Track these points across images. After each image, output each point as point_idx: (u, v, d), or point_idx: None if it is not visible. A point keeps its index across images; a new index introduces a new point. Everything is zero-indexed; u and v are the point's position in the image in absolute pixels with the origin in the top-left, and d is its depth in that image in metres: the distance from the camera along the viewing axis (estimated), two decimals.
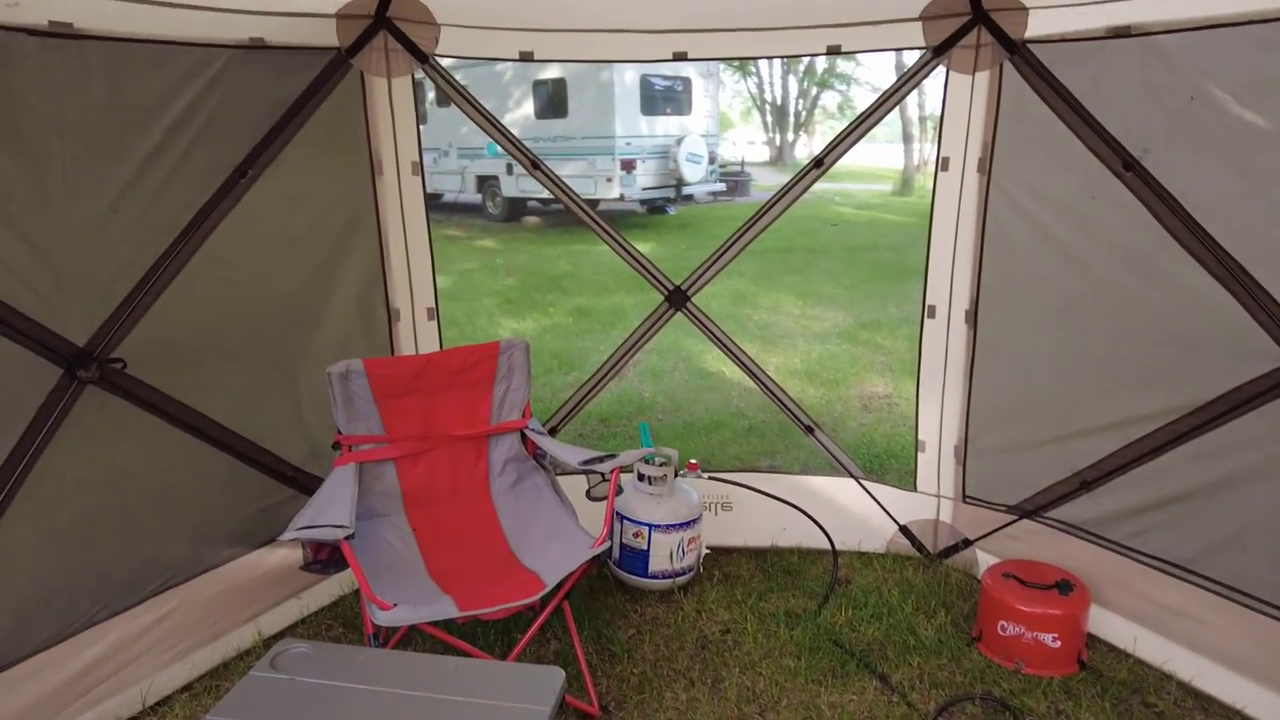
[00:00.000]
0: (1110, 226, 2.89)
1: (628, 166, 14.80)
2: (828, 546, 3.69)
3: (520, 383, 3.23)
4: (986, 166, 3.16)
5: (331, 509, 2.58)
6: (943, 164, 3.27)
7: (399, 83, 3.21)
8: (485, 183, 16.80)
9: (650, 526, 3.41)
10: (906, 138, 24.80)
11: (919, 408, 3.56)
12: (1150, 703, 2.79)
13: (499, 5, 3.09)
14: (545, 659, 3.03)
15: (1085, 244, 2.97)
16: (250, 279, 2.96)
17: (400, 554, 2.93)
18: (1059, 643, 2.92)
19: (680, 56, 3.24)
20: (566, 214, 17.28)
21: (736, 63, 34.49)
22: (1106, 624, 3.07)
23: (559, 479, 3.22)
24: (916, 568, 3.63)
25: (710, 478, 3.75)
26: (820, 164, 3.44)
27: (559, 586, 2.63)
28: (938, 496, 3.61)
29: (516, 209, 16.78)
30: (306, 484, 3.18)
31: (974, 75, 3.14)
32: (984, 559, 3.48)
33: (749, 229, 3.61)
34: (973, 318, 3.32)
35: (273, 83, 2.89)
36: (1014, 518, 3.38)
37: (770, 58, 17.98)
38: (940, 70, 3.24)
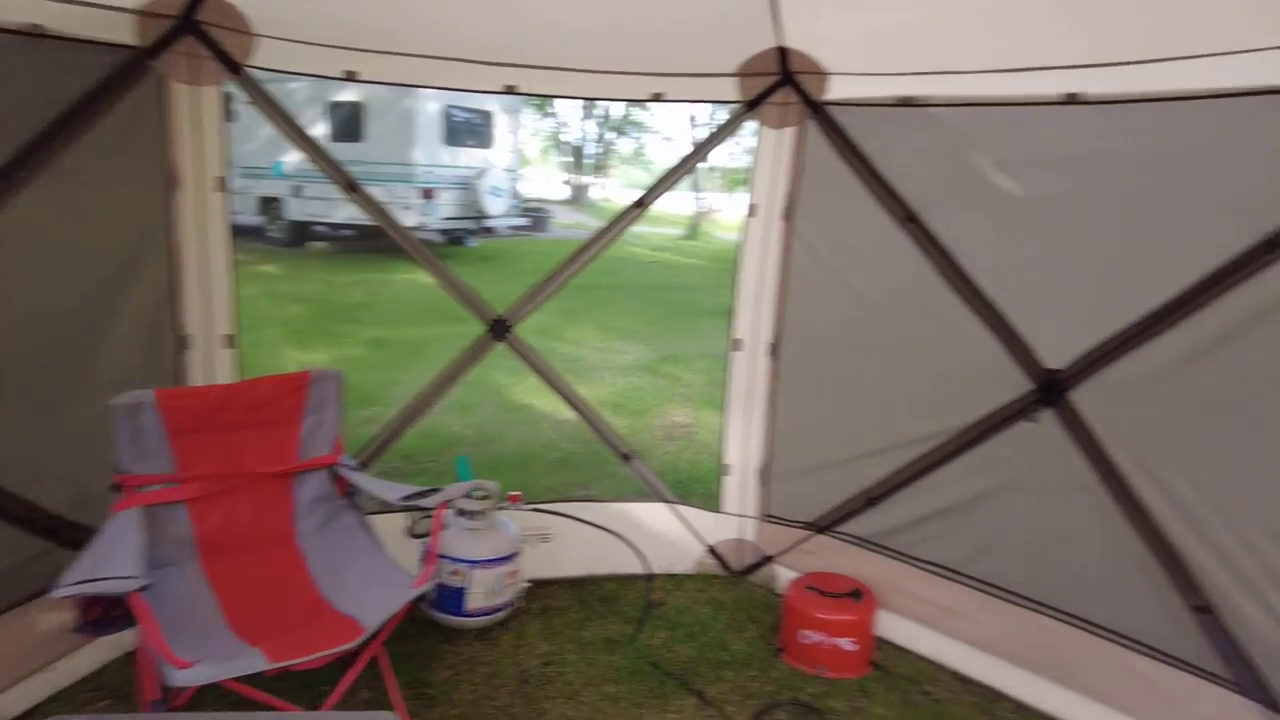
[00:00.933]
0: (895, 271, 3.28)
1: (428, 195, 14.47)
2: (642, 571, 3.79)
3: (332, 416, 3.05)
4: (789, 214, 3.48)
5: (115, 558, 2.27)
6: (752, 210, 3.55)
7: (206, 92, 2.96)
8: (268, 205, 15.65)
9: (470, 563, 3.33)
10: (695, 186, 26.34)
11: (725, 434, 3.80)
12: (928, 691, 3.14)
13: (324, 20, 2.96)
14: (355, 708, 2.85)
15: (874, 287, 3.35)
16: (8, 298, 2.57)
17: (195, 606, 2.63)
18: (855, 646, 3.21)
19: (510, 90, 3.28)
20: (358, 241, 16.75)
21: (538, 101, 35.07)
22: (892, 625, 3.42)
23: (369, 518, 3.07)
24: (724, 586, 3.83)
25: (533, 509, 3.73)
26: (642, 204, 3.61)
27: (380, 630, 2.50)
28: (742, 517, 3.85)
29: (299, 234, 15.75)
30: (71, 535, 2.76)
31: (780, 131, 3.45)
32: (784, 574, 3.75)
33: (573, 262, 3.69)
34: (775, 351, 3.61)
35: (52, 77, 2.56)
36: (810, 534, 3.68)
37: (598, 99, 18.37)
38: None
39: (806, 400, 3.60)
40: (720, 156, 29.09)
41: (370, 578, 2.79)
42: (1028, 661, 3.07)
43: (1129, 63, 2.60)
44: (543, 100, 34.27)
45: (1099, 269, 2.84)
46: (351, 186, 3.41)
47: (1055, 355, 2.97)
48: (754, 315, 3.63)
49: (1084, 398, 2.92)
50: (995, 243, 3.05)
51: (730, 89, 3.42)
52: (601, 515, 3.86)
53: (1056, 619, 3.01)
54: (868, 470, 3.48)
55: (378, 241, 14.72)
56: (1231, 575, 2.60)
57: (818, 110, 3.35)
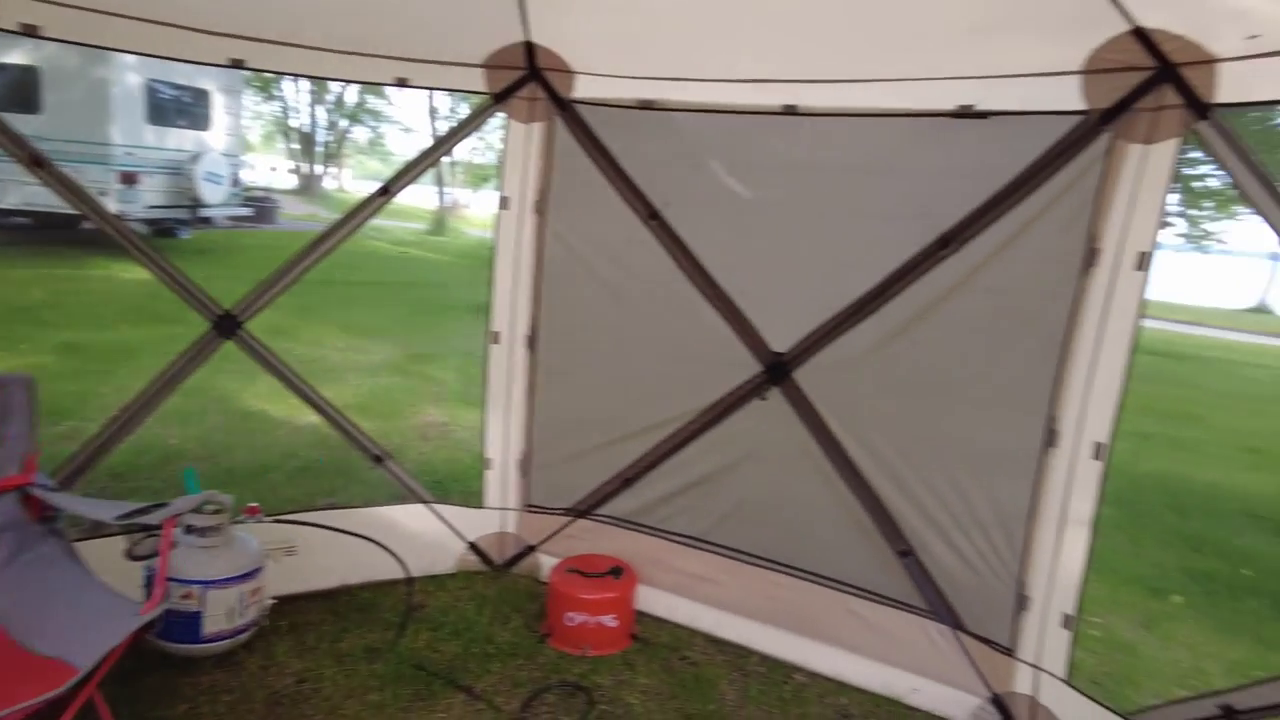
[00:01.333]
0: (644, 266, 3.46)
1: (129, 180, 12.63)
2: (401, 575, 3.66)
3: (21, 429, 2.61)
4: (541, 207, 3.54)
5: None
6: (504, 203, 3.56)
7: None
8: None
9: (204, 584, 3.01)
10: (439, 180, 25.66)
11: (486, 427, 3.78)
12: (686, 656, 3.37)
13: None
14: None
15: (625, 280, 3.51)
16: None
17: None
18: (616, 622, 3.36)
19: (238, 64, 2.99)
20: (33, 231, 14.15)
21: (260, 81, 31.98)
22: (651, 598, 3.61)
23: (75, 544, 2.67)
24: (487, 580, 3.82)
25: (275, 520, 3.45)
26: (387, 191, 3.46)
27: (97, 669, 2.18)
28: (503, 510, 3.86)
29: None
30: None
31: (529, 125, 3.49)
32: (548, 561, 3.81)
33: (311, 253, 3.45)
34: (532, 342, 3.65)
35: None
36: (571, 519, 3.78)
37: (337, 80, 17.01)
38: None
39: (564, 390, 3.69)
40: (464, 152, 28.64)
41: (80, 612, 2.43)
42: (770, 617, 3.40)
43: (838, 80, 2.97)
44: (266, 80, 31.51)
45: (814, 264, 3.22)
46: (37, 162, 2.91)
47: (781, 340, 3.32)
48: (511, 308, 3.64)
49: (805, 377, 3.30)
50: (728, 240, 3.33)
51: (477, 80, 3.40)
52: (353, 522, 3.67)
53: (792, 576, 3.37)
54: (623, 453, 3.65)
55: (63, 232, 12.65)
56: (924, 521, 3.08)
57: (565, 107, 3.44)
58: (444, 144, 3.45)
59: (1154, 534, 5.52)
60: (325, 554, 3.59)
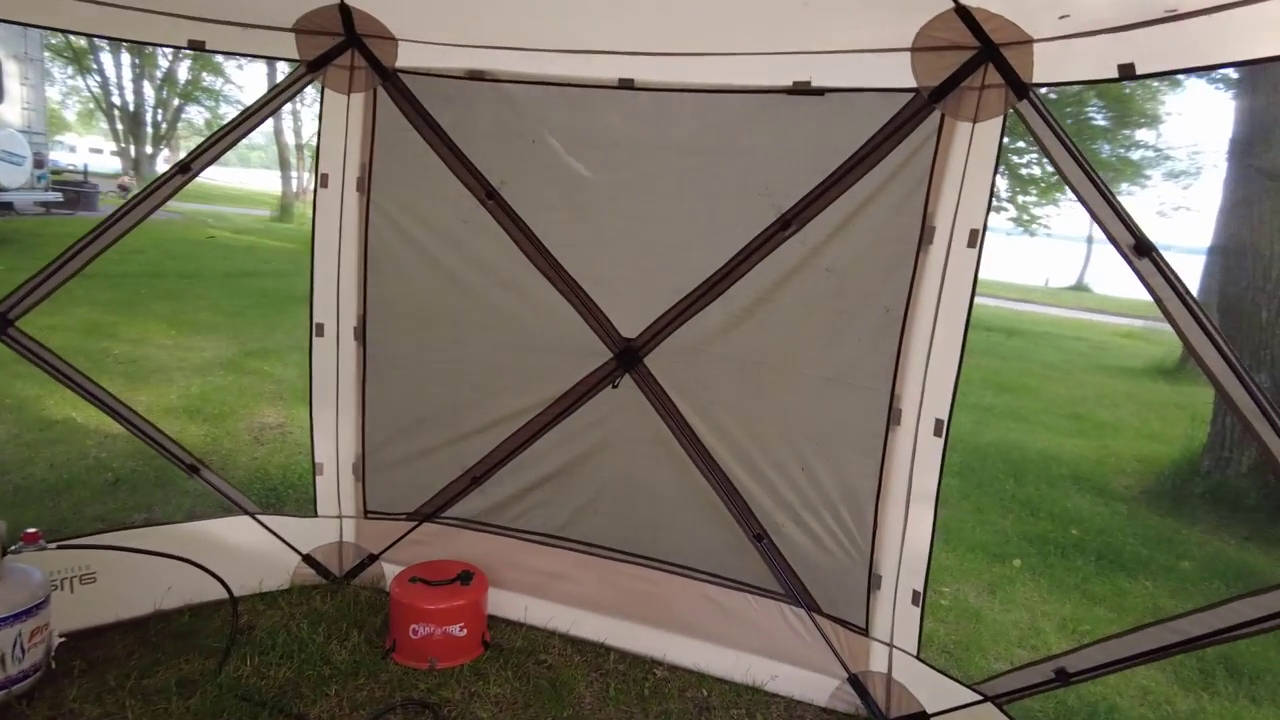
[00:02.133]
0: (482, 249, 3.24)
1: None
2: (225, 596, 3.30)
3: None
4: (366, 186, 3.24)
5: None
6: (322, 181, 3.24)
7: None
8: None
9: None
10: (284, 164, 24.10)
11: (313, 430, 3.46)
12: (542, 660, 3.21)
13: None
14: None
15: (462, 264, 3.27)
16: None
17: None
18: (465, 630, 3.14)
19: None
20: None
21: (70, 52, 28.94)
22: (504, 602, 3.42)
23: None
24: (325, 595, 3.51)
25: (60, 547, 3.00)
26: (187, 169, 3.06)
27: None
28: (339, 518, 3.55)
29: None
30: None
31: (349, 96, 3.18)
32: (393, 571, 3.54)
33: (94, 240, 2.99)
34: (362, 334, 3.36)
35: None
36: (415, 523, 3.52)
37: (121, 40, 15.29)
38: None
39: (400, 384, 3.42)
40: (311, 134, 26.99)
41: None
42: (627, 611, 3.29)
43: (675, 54, 2.85)
44: (79, 50, 28.54)
45: (661, 246, 3.10)
46: None
47: (630, 326, 3.20)
48: (335, 297, 3.32)
49: (655, 362, 3.20)
50: (571, 221, 3.16)
51: (287, 46, 3.06)
52: (169, 540, 3.26)
53: (649, 567, 3.28)
54: (470, 450, 3.43)
55: None
56: (776, 503, 3.05)
57: (388, 77, 3.15)
58: (250, 117, 3.06)
59: (995, 501, 5.84)
60: (133, 578, 3.18)
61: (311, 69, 3.11)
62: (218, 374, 6.74)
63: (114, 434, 5.06)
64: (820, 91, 2.73)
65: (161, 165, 33.55)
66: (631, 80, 2.91)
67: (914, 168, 2.64)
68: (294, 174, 24.90)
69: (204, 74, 31.05)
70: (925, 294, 2.65)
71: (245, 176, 49.64)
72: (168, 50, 31.25)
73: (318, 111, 3.25)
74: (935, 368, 2.65)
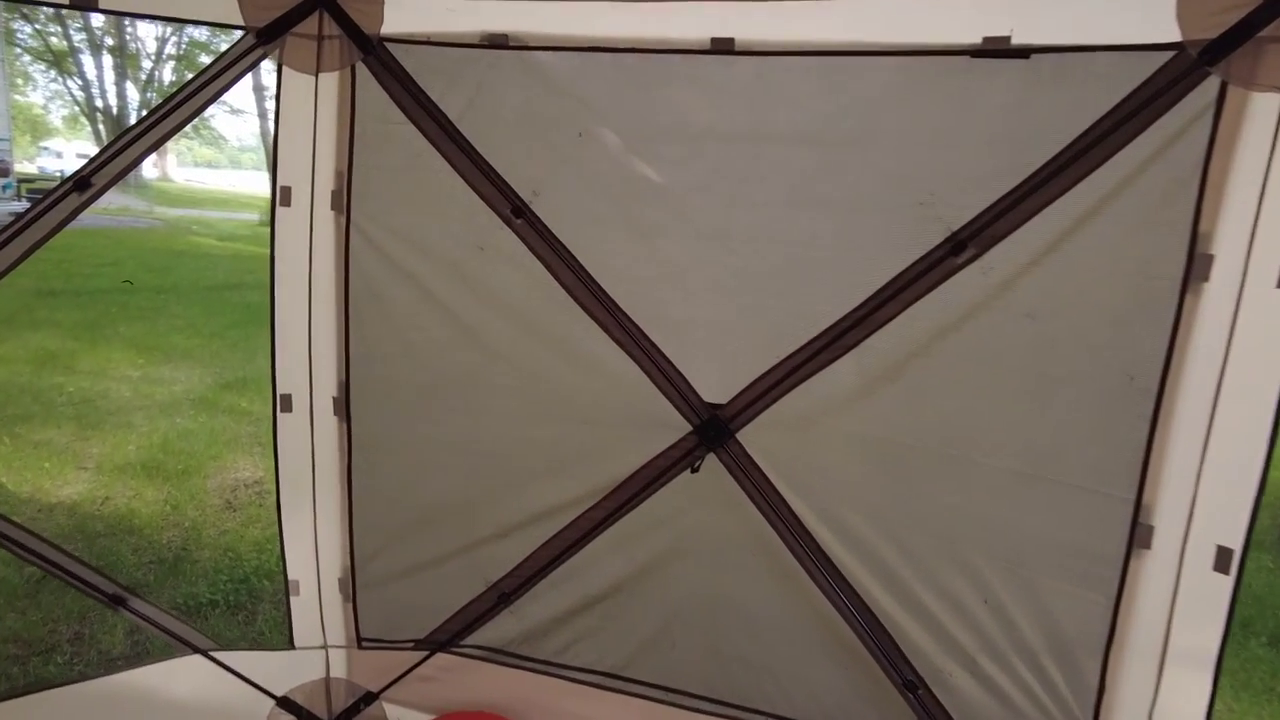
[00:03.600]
0: (505, 285, 2.33)
1: None
2: None
3: None
4: (344, 203, 2.32)
5: None
6: (282, 196, 2.31)
7: None
8: None
9: None
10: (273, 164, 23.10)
11: (283, 539, 2.54)
12: None
13: None
14: None
15: (478, 307, 2.36)
16: None
17: None
18: None
19: None
20: None
21: (50, 57, 28.07)
22: None
23: None
24: None
25: None
26: (85, 184, 2.13)
27: None
28: (324, 648, 2.64)
29: None
30: None
31: (317, 77, 2.26)
32: (398, 714, 2.65)
33: None
34: (344, 407, 2.44)
35: None
36: (426, 653, 2.62)
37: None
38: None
39: (398, 472, 2.51)
40: None
41: None
42: None
43: None
44: (59, 54, 27.73)
45: (763, 278, 2.19)
46: None
47: (716, 388, 2.31)
48: (307, 357, 2.40)
49: (752, 438, 2.31)
50: (632, 243, 2.25)
51: (225, 7, 2.13)
52: (89, 705, 2.37)
53: None
54: (494, 558, 2.53)
55: None
56: (938, 642, 2.15)
57: (371, 48, 2.22)
58: (167, 114, 2.12)
59: None
60: None
61: (262, 40, 2.18)
62: (187, 414, 5.81)
63: (52, 505, 4.15)
64: (1024, 52, 1.81)
65: (149, 169, 32.68)
66: (730, 41, 1.99)
67: (1175, 163, 1.73)
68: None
69: (189, 75, 29.99)
70: (1198, 356, 1.74)
71: (236, 179, 48.43)
72: (150, 51, 30.32)
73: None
74: (1217, 469, 1.74)
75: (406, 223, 2.32)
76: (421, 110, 2.24)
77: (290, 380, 2.39)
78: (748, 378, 2.26)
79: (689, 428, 2.35)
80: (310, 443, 2.43)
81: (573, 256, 2.27)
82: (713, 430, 2.32)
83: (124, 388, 6.33)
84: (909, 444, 2.14)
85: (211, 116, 33.51)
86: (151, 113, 2.17)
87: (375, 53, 2.23)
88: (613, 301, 2.28)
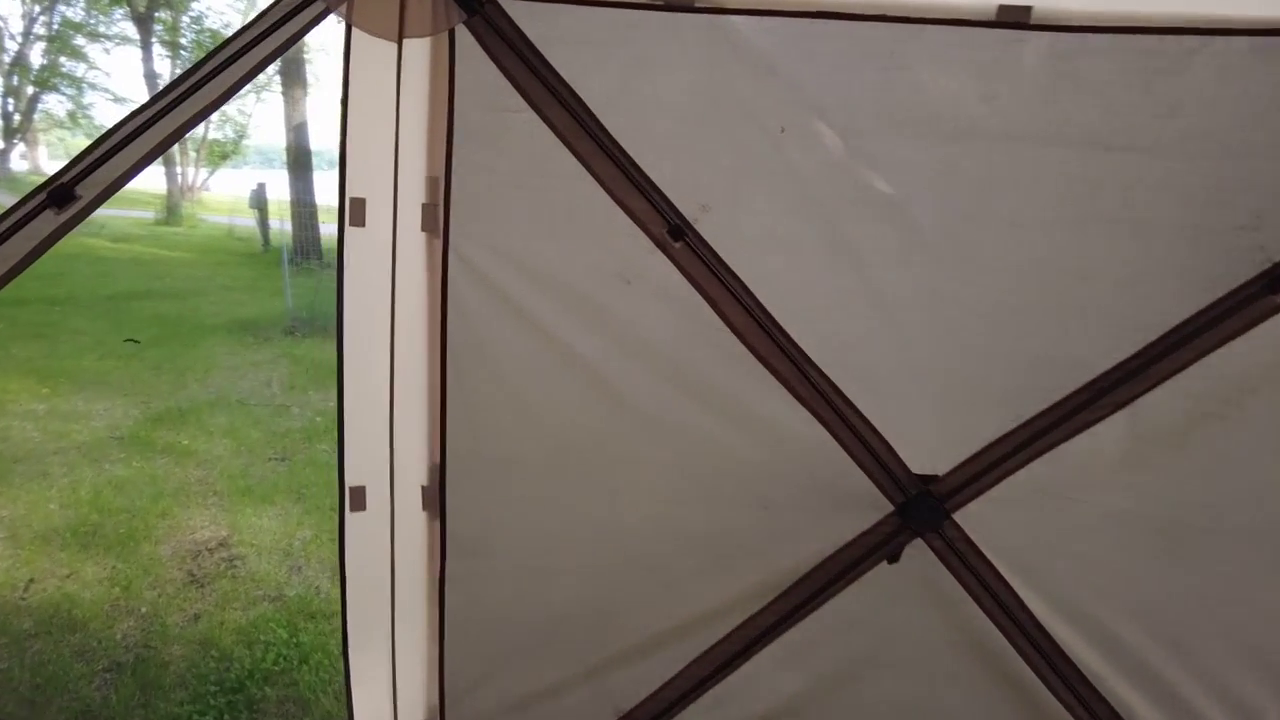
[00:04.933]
0: (653, 326, 1.75)
1: None
2: None
3: None
4: (439, 221, 1.68)
5: None
6: (354, 213, 1.65)
7: None
8: None
9: None
10: (166, 159, 21.21)
11: (350, 676, 1.87)
12: None
13: None
14: None
15: (616, 356, 1.76)
16: None
17: None
18: None
19: None
20: None
21: None
22: None
23: None
24: None
25: None
26: (68, 197, 1.43)
27: None
28: None
29: None
30: None
31: (400, 45, 1.61)
32: None
33: None
34: (436, 498, 1.79)
35: None
36: None
37: None
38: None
39: (506, 579, 1.88)
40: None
41: None
42: None
43: None
44: None
45: (1007, 317, 1.69)
46: None
47: (928, 454, 1.79)
48: (387, 435, 1.75)
49: (975, 518, 1.82)
50: (837, 275, 1.70)
51: None
52: None
53: None
54: (630, 680, 1.95)
55: None
56: None
57: (478, 5, 1.59)
58: (181, 91, 1.43)
59: None
60: None
61: None
62: (115, 458, 4.89)
63: None
64: None
65: (17, 162, 29.74)
66: (1025, 11, 1.46)
67: None
68: (178, 169, 21.92)
69: (62, 59, 27.29)
70: None
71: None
72: (16, 33, 27.46)
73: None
74: None
75: (525, 247, 1.70)
76: (549, 94, 1.62)
77: (364, 468, 1.72)
78: (974, 442, 1.77)
79: (890, 507, 1.83)
80: (390, 550, 1.78)
81: (749, 291, 1.71)
82: (922, 509, 1.81)
83: (29, 426, 5.31)
84: (1199, 525, 1.68)
85: (90, 105, 30.67)
86: (157, 98, 1.48)
87: (483, 12, 1.60)
88: (799, 348, 1.74)
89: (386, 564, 1.78)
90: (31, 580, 3.42)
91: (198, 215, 21.56)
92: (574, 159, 1.66)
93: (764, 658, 1.94)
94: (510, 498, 1.82)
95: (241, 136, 26.42)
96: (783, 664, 1.93)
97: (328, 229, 14.52)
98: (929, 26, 1.49)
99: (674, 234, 1.69)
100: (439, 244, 1.68)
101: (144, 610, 3.29)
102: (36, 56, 27.51)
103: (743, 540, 1.89)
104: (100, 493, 4.33)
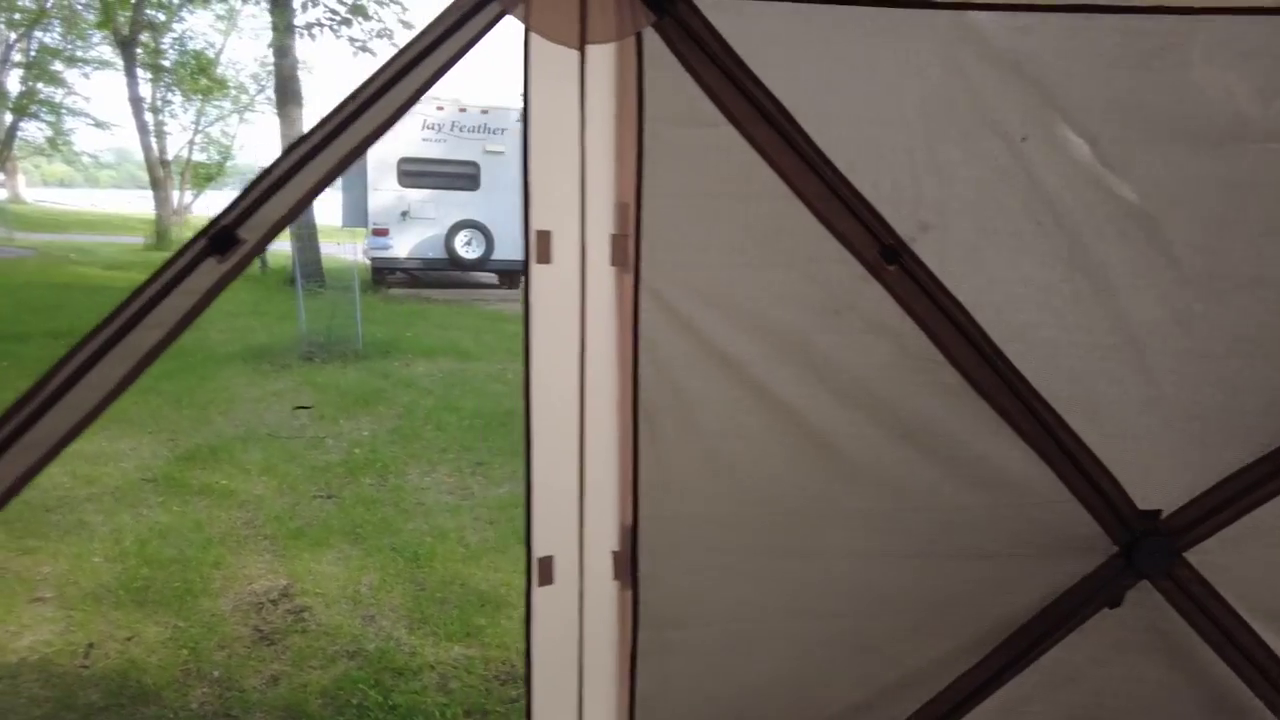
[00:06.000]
0: (863, 363, 1.56)
1: None
2: None
3: None
4: (629, 254, 1.48)
5: None
6: (538, 246, 1.44)
7: None
8: None
9: None
10: (154, 183, 20.85)
11: None
12: None
13: None
14: None
15: (825, 399, 1.56)
16: None
17: None
18: None
19: None
20: None
21: None
22: None
23: None
24: None
25: None
26: (230, 242, 1.22)
27: None
28: None
29: None
30: None
31: (583, 51, 1.41)
32: None
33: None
34: (627, 564, 1.59)
35: None
36: None
37: None
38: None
39: (700, 651, 1.67)
40: (180, 145, 23.78)
41: None
42: None
43: None
44: None
45: (1256, 339, 1.51)
46: None
47: (1155, 487, 1.61)
48: (576, 497, 1.54)
49: (1210, 557, 1.63)
50: (1077, 302, 1.52)
51: None
52: None
53: None
54: None
55: None
56: None
57: (667, 6, 1.39)
58: (350, 112, 1.22)
59: None
60: None
61: None
62: (153, 502, 4.63)
63: None
64: None
65: None
66: None
67: None
68: (165, 193, 21.49)
69: (40, 84, 26.82)
70: None
71: (99, 199, 44.00)
72: None
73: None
74: None
75: (722, 278, 1.50)
76: (749, 104, 1.43)
77: (553, 536, 1.51)
78: (1210, 475, 1.60)
79: (1114, 548, 1.65)
80: (579, 625, 1.57)
81: (970, 318, 1.52)
82: (1149, 549, 1.64)
83: (54, 470, 5.01)
84: None
85: (71, 131, 30.18)
86: (315, 129, 1.27)
87: (675, 12, 1.40)
88: (1024, 379, 1.55)
89: (574, 640, 1.57)
90: (91, 645, 3.18)
91: (187, 239, 21.13)
92: (776, 177, 1.46)
93: (974, 718, 1.75)
94: (706, 562, 1.61)
95: (226, 158, 26.06)
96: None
97: (328, 249, 14.26)
98: (1218, 17, 1.31)
99: (887, 256, 1.51)
100: (629, 279, 1.48)
101: (216, 674, 3.06)
102: (14, 83, 27.08)
103: (954, 594, 1.70)
104: (146, 543, 4.08)
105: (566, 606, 1.56)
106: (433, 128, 13.26)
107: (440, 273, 14.63)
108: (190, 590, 3.63)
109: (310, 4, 12.83)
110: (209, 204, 26.83)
